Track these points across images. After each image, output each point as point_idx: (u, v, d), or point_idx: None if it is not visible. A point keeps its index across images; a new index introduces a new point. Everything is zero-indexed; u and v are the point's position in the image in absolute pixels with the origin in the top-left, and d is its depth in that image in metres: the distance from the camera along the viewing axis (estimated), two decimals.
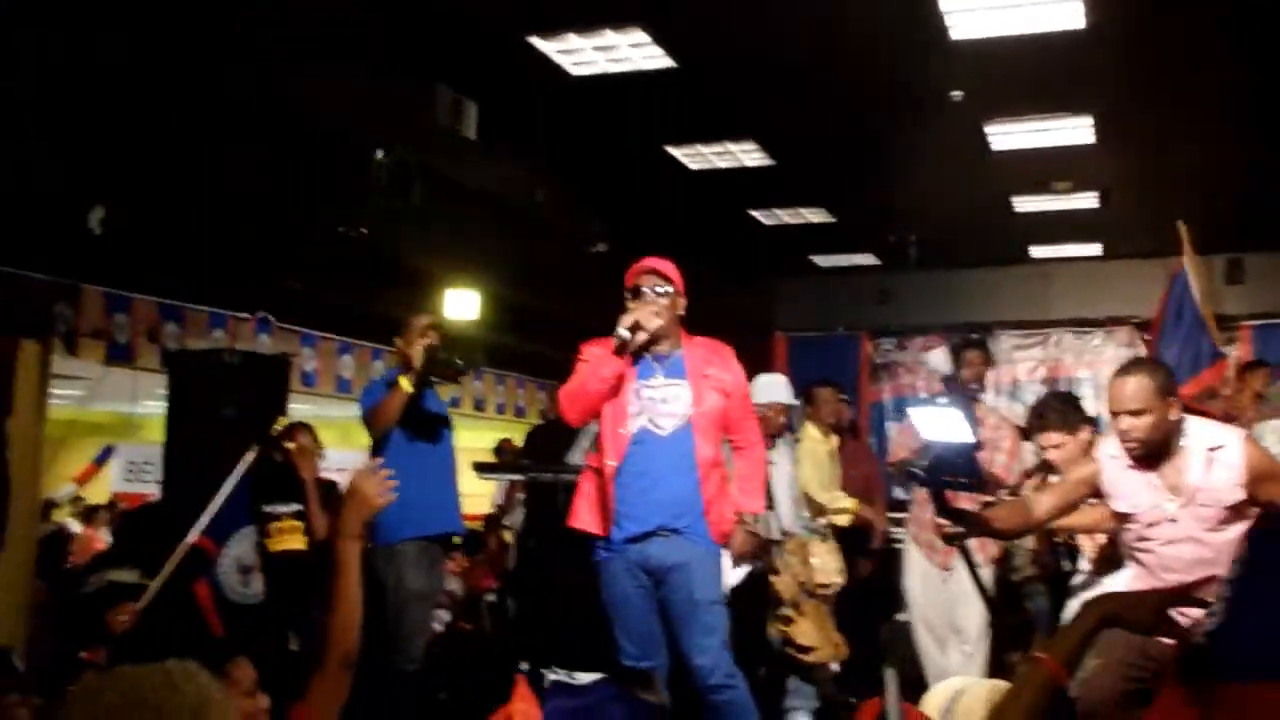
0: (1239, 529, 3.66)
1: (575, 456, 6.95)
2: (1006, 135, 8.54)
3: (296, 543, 5.67)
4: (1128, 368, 3.79)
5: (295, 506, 5.74)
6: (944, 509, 3.70)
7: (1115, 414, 3.71)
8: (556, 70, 7.18)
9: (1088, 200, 10.29)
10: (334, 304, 7.30)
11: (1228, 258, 11.83)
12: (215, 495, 4.88)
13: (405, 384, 5.12)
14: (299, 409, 6.08)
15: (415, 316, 5.35)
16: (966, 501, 4.44)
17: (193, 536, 4.70)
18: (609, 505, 4.27)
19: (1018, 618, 6.24)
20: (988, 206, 10.46)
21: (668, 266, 4.43)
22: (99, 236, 6.36)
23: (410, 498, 5.17)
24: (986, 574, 5.77)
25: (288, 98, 6.40)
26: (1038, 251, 12.31)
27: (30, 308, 6.50)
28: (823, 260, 12.87)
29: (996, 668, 5.66)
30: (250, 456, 5.12)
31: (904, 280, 12.64)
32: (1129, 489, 3.84)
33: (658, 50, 6.98)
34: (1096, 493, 3.96)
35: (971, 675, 5.20)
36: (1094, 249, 12.21)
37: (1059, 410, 4.71)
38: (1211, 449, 3.69)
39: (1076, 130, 8.43)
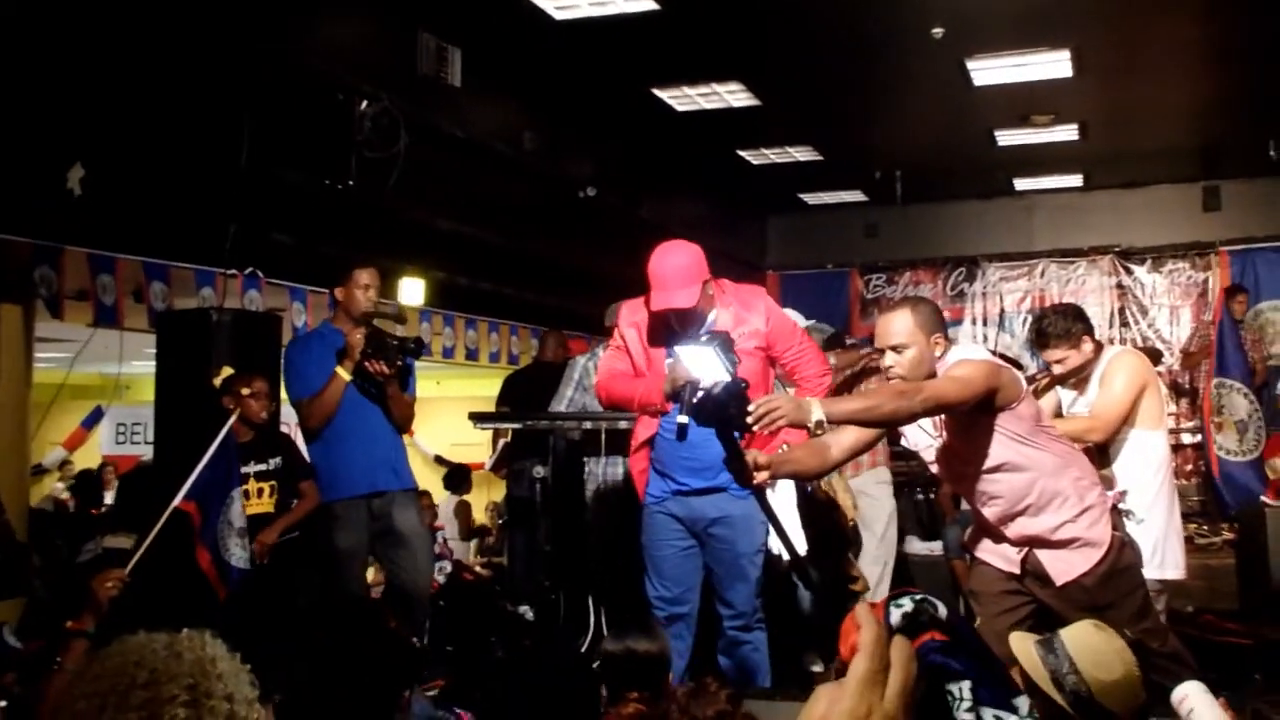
0: (997, 442, 3.57)
1: (559, 406, 6.92)
2: (987, 70, 8.54)
3: (261, 505, 5.42)
4: (893, 304, 3.70)
5: (259, 466, 5.47)
6: (732, 453, 3.20)
7: (879, 350, 3.67)
8: (539, 14, 7.08)
9: (1068, 132, 10.32)
10: (323, 256, 7.20)
11: (1204, 185, 11.94)
12: (199, 460, 4.78)
13: (344, 374, 5.08)
14: None
15: (353, 296, 5.22)
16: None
17: (177, 501, 4.62)
18: (652, 461, 4.39)
19: None
20: (971, 141, 10.49)
21: (673, 292, 4.13)
22: (80, 197, 6.23)
23: (348, 458, 5.18)
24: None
25: (270, 50, 6.29)
26: (1021, 184, 12.34)
27: (11, 271, 6.38)
28: (811, 198, 12.88)
29: None
30: (233, 419, 5.03)
31: (891, 215, 12.66)
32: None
33: None
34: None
35: None
36: (1075, 180, 12.27)
37: (1058, 324, 4.64)
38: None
39: (1055, 64, 8.44)
